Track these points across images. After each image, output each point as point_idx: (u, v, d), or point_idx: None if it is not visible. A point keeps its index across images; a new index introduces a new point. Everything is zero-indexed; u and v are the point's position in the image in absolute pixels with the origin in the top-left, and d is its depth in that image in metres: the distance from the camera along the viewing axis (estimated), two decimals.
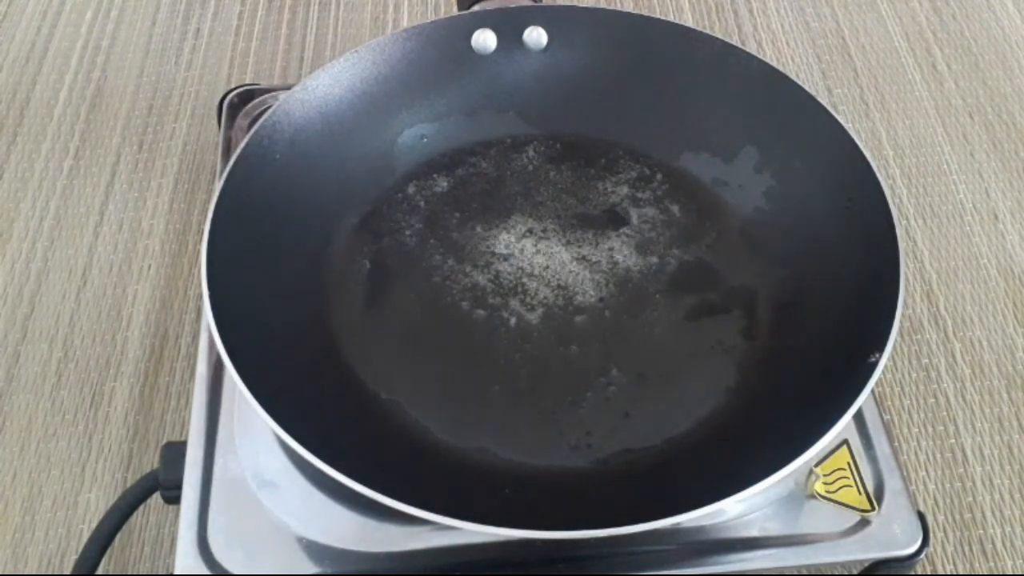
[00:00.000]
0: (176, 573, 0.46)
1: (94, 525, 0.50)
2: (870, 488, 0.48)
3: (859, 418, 0.50)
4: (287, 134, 0.57)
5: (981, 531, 0.55)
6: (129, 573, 0.54)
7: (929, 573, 0.53)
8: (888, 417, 0.59)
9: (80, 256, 0.68)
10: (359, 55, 0.60)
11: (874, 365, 0.45)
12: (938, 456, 0.58)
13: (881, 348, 0.46)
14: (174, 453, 0.50)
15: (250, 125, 0.58)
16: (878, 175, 0.53)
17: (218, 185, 0.54)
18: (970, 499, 0.56)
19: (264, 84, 0.69)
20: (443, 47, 0.62)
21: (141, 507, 0.51)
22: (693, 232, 0.60)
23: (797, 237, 0.56)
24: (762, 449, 0.46)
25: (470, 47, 0.63)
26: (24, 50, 0.82)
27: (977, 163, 0.73)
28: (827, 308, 0.52)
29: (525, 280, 0.58)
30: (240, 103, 0.66)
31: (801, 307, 0.54)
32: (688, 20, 0.84)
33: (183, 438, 0.51)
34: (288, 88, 0.59)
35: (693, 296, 0.57)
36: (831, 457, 0.49)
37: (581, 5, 0.63)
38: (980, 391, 0.60)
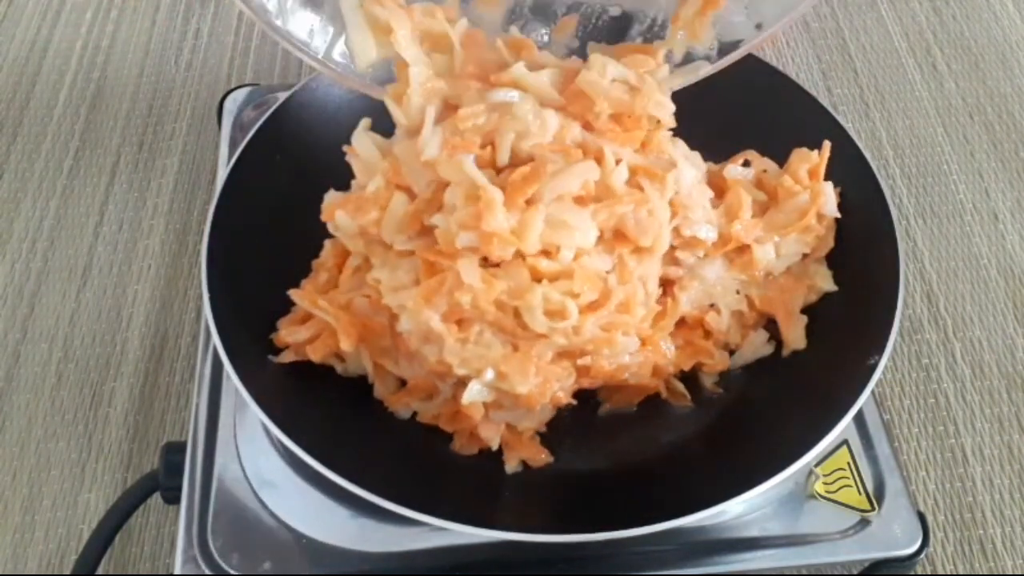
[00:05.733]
0: (176, 573, 0.46)
1: (94, 525, 0.50)
2: (870, 488, 0.48)
3: (859, 418, 0.50)
4: (287, 134, 0.57)
5: (981, 531, 0.55)
6: (129, 573, 0.54)
7: (929, 573, 0.53)
8: (888, 417, 0.59)
9: (80, 256, 0.68)
10: None
11: (874, 367, 0.45)
12: (938, 456, 0.58)
13: (881, 350, 0.46)
14: (174, 453, 0.50)
15: (250, 125, 0.58)
16: (878, 175, 0.53)
17: (218, 185, 0.54)
18: (970, 499, 0.56)
19: (264, 84, 0.69)
20: None
21: (141, 507, 0.51)
22: None
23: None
24: (763, 450, 0.46)
25: None
26: (24, 50, 0.82)
27: (977, 163, 0.72)
28: (827, 309, 0.52)
29: None
30: (240, 103, 0.66)
31: (801, 309, 0.54)
32: None
33: (183, 438, 0.51)
34: (288, 88, 0.59)
35: None
36: (831, 457, 0.49)
37: None
38: (980, 391, 0.60)
